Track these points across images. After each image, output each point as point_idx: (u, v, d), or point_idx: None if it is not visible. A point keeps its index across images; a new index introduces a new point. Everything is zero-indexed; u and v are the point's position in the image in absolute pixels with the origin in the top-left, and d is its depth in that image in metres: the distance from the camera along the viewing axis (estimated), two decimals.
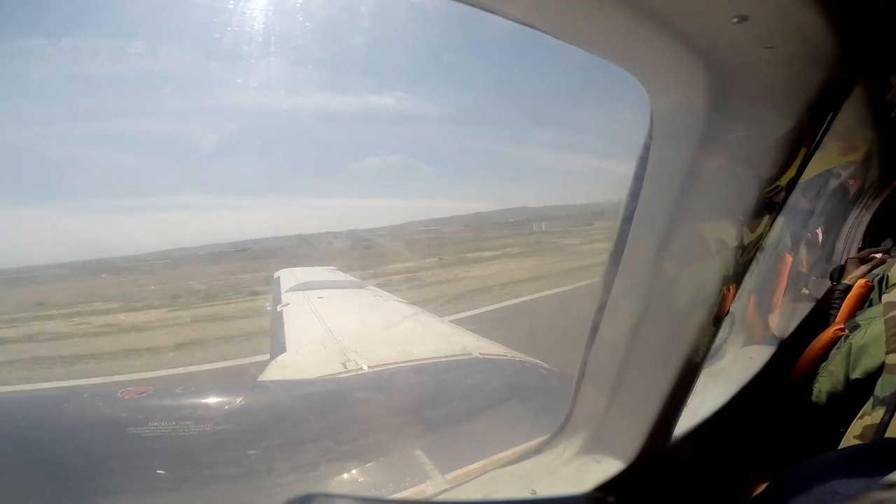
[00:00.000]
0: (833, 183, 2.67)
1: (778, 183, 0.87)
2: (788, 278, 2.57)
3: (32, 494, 1.20)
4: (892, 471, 0.68)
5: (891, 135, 1.82)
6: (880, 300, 1.84)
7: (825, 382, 1.86)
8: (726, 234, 0.92)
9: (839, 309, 2.33)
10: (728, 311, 1.02)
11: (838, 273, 2.66)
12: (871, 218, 3.63)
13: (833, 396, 1.83)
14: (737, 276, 0.97)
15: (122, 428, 1.41)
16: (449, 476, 1.37)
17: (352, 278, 4.88)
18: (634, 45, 0.74)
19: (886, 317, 1.69)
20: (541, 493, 1.06)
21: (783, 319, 2.48)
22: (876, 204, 3.47)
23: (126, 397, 1.53)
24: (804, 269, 2.78)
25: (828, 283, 3.02)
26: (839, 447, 1.60)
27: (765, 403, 1.97)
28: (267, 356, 2.55)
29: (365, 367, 2.09)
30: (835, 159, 2.35)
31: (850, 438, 1.64)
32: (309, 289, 3.64)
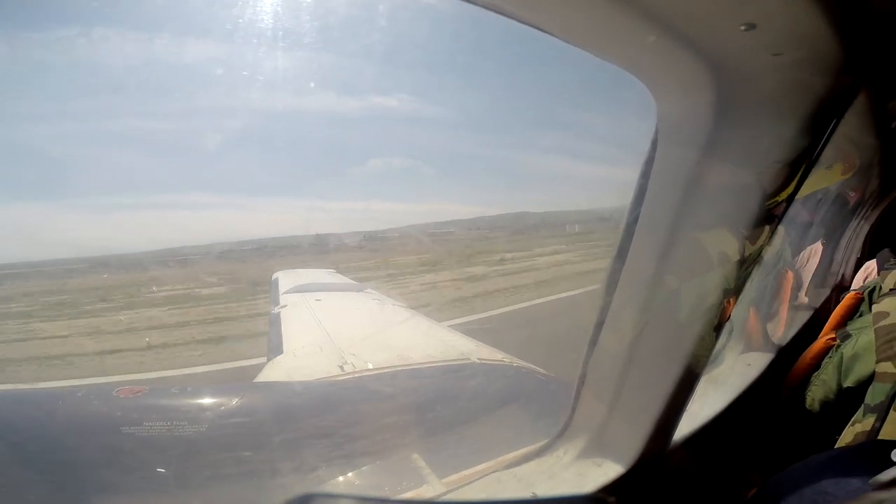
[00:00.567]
0: (833, 192, 2.68)
1: (781, 191, 0.87)
2: (789, 287, 2.58)
3: (26, 492, 1.19)
4: (879, 471, 0.69)
5: (891, 143, 1.83)
6: (870, 310, 1.86)
7: (818, 391, 1.88)
8: (729, 242, 0.92)
9: None
10: (728, 318, 1.02)
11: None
12: (871, 228, 3.64)
13: (826, 404, 1.85)
14: (738, 285, 0.97)
15: (117, 427, 1.41)
16: (445, 480, 1.36)
17: (350, 281, 4.88)
18: (642, 49, 0.74)
19: (876, 326, 1.71)
20: (541, 495, 1.06)
21: (781, 328, 2.49)
22: (875, 214, 3.48)
23: (121, 396, 1.52)
24: (803, 278, 2.79)
25: (826, 292, 3.03)
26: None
27: (763, 410, 1.98)
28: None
29: (362, 370, 2.09)
30: (840, 171, 2.36)
31: (841, 445, 1.65)
32: (307, 291, 3.63)
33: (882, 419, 1.57)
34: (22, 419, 1.49)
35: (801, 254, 2.73)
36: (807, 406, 1.92)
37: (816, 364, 1.96)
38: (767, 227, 0.91)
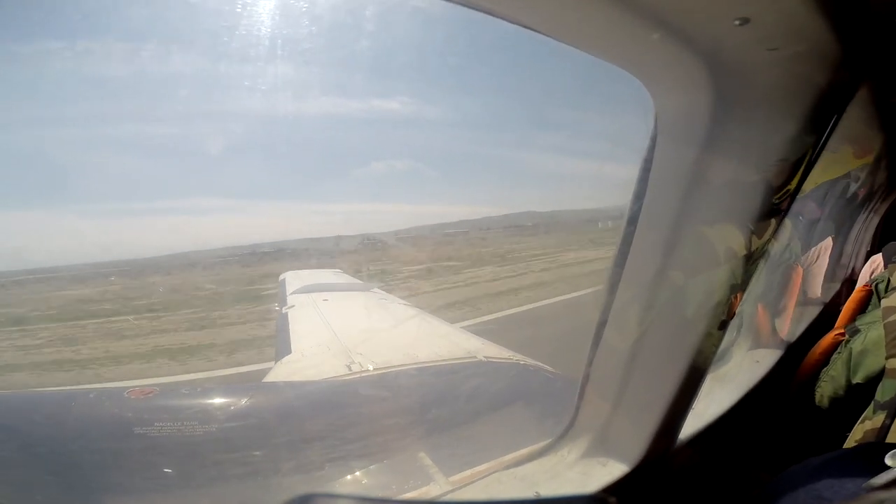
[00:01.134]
0: (840, 186, 2.65)
1: (783, 186, 0.86)
2: (799, 283, 2.56)
3: (39, 490, 1.21)
4: (873, 473, 0.68)
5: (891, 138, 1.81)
6: (879, 304, 1.84)
7: (827, 387, 1.87)
8: (731, 237, 0.91)
9: None
10: (734, 315, 1.02)
11: None
12: (880, 221, 3.60)
13: (835, 401, 1.83)
14: (743, 281, 0.97)
15: (129, 427, 1.42)
16: (452, 479, 1.37)
17: (357, 281, 4.89)
18: (638, 47, 0.75)
19: (886, 321, 1.69)
20: (545, 495, 1.06)
21: (790, 323, 2.47)
22: (884, 207, 3.44)
23: (132, 397, 1.55)
24: (813, 275, 2.76)
25: (836, 287, 3.00)
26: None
27: (772, 407, 1.97)
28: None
29: (369, 370, 2.10)
30: (849, 164, 2.34)
31: (851, 443, 1.65)
32: (314, 291, 3.65)
33: (893, 416, 1.55)
34: (35, 420, 1.51)
35: (812, 251, 2.71)
36: (816, 403, 1.90)
37: (825, 360, 1.94)
38: (770, 223, 0.91)
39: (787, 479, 0.86)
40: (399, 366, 2.13)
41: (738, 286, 0.97)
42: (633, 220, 0.97)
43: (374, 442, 1.59)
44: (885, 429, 1.55)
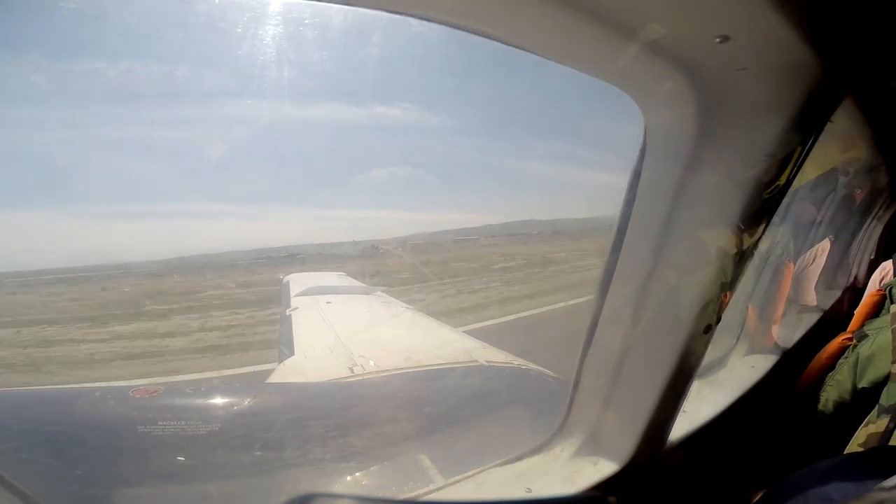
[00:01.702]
0: (841, 192, 2.65)
1: (769, 193, 0.89)
2: (795, 287, 2.56)
3: (43, 488, 1.24)
4: (884, 476, 0.69)
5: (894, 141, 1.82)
6: (889, 310, 1.84)
7: (832, 391, 1.86)
8: (717, 243, 0.94)
9: None
10: (720, 319, 1.04)
11: None
12: (885, 227, 3.58)
13: (840, 405, 1.83)
14: (729, 284, 0.99)
15: (133, 426, 1.45)
16: (451, 481, 1.38)
17: (360, 284, 4.91)
18: (626, 65, 0.78)
19: (894, 326, 1.69)
20: (536, 492, 1.08)
21: (789, 329, 2.47)
22: (888, 214, 3.42)
23: (137, 396, 1.58)
24: (809, 277, 2.76)
25: (837, 294, 2.99)
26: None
27: (771, 412, 1.97)
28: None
29: (372, 372, 2.11)
30: (845, 170, 2.34)
31: (854, 446, 1.64)
32: (317, 294, 3.67)
33: None
34: (41, 417, 1.54)
35: (808, 252, 2.70)
36: (820, 406, 1.90)
37: (831, 364, 1.94)
38: (755, 231, 0.94)
39: (797, 480, 0.86)
40: (401, 369, 2.14)
41: (724, 291, 0.99)
42: (622, 227, 1.00)
43: (375, 443, 1.60)
44: (888, 433, 1.54)
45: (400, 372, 2.12)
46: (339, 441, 1.57)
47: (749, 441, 1.76)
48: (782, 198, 0.92)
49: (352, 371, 2.13)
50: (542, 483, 1.11)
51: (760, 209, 0.91)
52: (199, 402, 1.65)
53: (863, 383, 1.75)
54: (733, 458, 1.60)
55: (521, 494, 1.08)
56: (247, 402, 1.65)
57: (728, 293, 0.99)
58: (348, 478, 1.49)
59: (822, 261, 2.73)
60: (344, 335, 2.62)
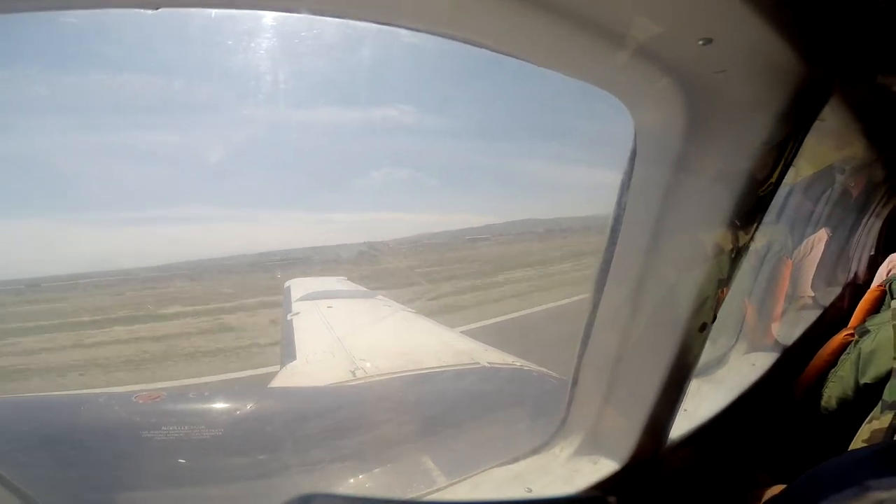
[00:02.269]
0: (837, 189, 2.66)
1: (762, 190, 0.90)
2: (794, 282, 2.56)
3: (46, 494, 1.25)
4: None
5: (890, 137, 1.83)
6: (891, 305, 1.84)
7: (835, 388, 1.87)
8: (711, 241, 0.95)
9: None
10: (715, 316, 1.05)
11: None
12: (883, 224, 3.59)
13: (843, 402, 1.83)
14: (724, 282, 1.00)
15: (136, 431, 1.46)
16: (450, 480, 1.39)
17: (361, 288, 4.92)
18: (613, 69, 0.79)
19: (895, 322, 1.69)
20: (536, 492, 1.09)
21: (790, 326, 2.47)
22: (886, 211, 3.43)
23: (140, 402, 1.59)
24: (806, 268, 2.76)
25: (837, 290, 3.00)
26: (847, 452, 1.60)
27: (772, 409, 1.97)
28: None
29: (373, 376, 2.12)
30: (840, 167, 2.35)
31: (858, 442, 1.64)
32: (319, 298, 3.67)
33: None
34: (46, 422, 1.56)
35: (804, 243, 2.70)
36: (823, 403, 1.90)
37: (834, 361, 1.95)
38: (749, 229, 0.95)
39: (830, 469, 0.85)
40: (403, 372, 2.15)
41: (720, 289, 1.00)
42: (616, 227, 1.01)
43: (377, 446, 1.61)
44: (892, 429, 1.55)
45: (401, 375, 2.12)
46: (341, 444, 1.57)
47: (751, 439, 1.76)
48: (774, 195, 0.93)
49: (353, 375, 2.14)
50: (543, 483, 1.12)
51: (753, 207, 0.92)
52: (202, 406, 1.66)
53: (865, 379, 1.75)
54: (735, 456, 1.60)
55: (522, 494, 1.09)
56: (249, 406, 1.66)
57: (724, 290, 1.00)
58: (351, 480, 1.50)
59: (818, 251, 2.74)
60: (345, 339, 2.63)
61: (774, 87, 0.78)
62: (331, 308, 3.38)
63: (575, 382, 1.19)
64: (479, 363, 2.26)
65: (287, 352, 2.63)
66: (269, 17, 0.94)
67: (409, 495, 1.40)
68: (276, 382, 2.28)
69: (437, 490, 1.22)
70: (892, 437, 1.54)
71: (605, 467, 1.15)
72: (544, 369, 2.19)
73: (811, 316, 2.66)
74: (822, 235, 2.76)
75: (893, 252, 2.49)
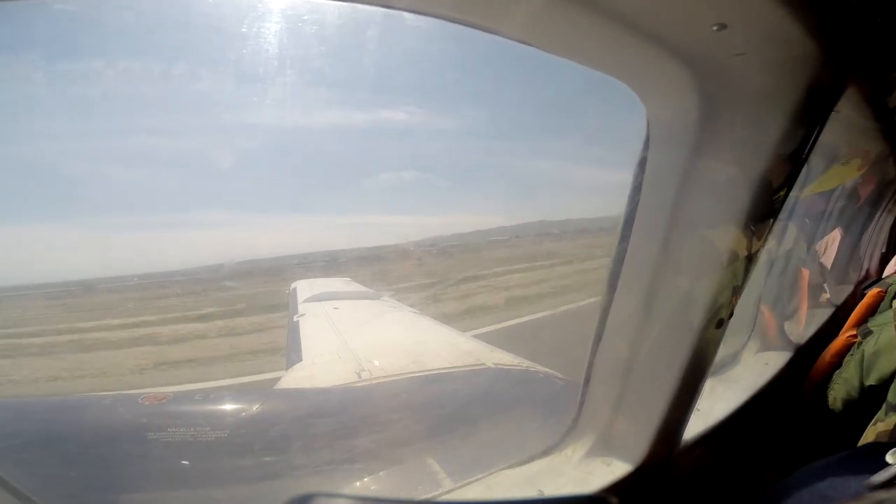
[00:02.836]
0: (848, 187, 2.63)
1: (776, 186, 0.88)
2: (807, 284, 2.53)
3: (52, 495, 1.24)
4: (876, 472, 0.69)
5: None
6: (891, 306, 1.82)
7: (840, 389, 1.86)
8: (726, 238, 0.92)
9: None
10: (731, 315, 1.02)
11: None
12: (894, 221, 3.53)
13: (848, 403, 1.82)
14: (739, 282, 0.97)
15: (142, 432, 1.46)
16: (461, 485, 1.37)
17: (367, 289, 4.92)
18: (626, 57, 0.77)
19: None
20: (548, 494, 1.07)
21: (801, 326, 2.44)
22: None
23: (146, 403, 1.58)
24: (822, 270, 2.73)
25: (849, 289, 2.96)
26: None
27: (782, 409, 1.95)
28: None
29: (379, 377, 2.11)
30: (854, 172, 2.32)
31: (863, 444, 1.62)
32: (325, 299, 3.68)
33: None
34: (54, 423, 1.56)
35: (819, 243, 2.68)
36: (829, 405, 1.89)
37: (838, 362, 1.94)
38: (765, 223, 0.92)
39: (794, 481, 0.87)
40: (408, 373, 2.14)
41: (735, 286, 0.98)
42: (629, 223, 0.99)
43: (384, 447, 1.60)
44: None
45: (407, 376, 2.12)
46: (348, 445, 1.57)
47: (765, 439, 1.74)
48: (791, 188, 0.91)
49: (359, 376, 2.13)
50: (555, 485, 1.10)
51: (770, 200, 0.89)
52: (208, 408, 1.66)
53: (870, 381, 1.75)
54: (750, 456, 1.58)
55: (534, 497, 1.07)
56: (255, 408, 1.65)
57: (741, 285, 0.98)
58: (358, 482, 1.49)
59: (832, 251, 2.71)
60: (351, 340, 2.63)
61: (789, 77, 0.76)
62: (337, 309, 3.38)
63: (587, 383, 1.17)
64: (484, 364, 2.25)
65: (293, 353, 2.63)
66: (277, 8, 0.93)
67: (417, 496, 1.38)
68: (283, 383, 2.28)
69: (449, 491, 1.21)
70: (872, 442, 1.53)
71: (618, 469, 1.12)
72: (550, 370, 2.18)
73: (823, 315, 2.63)
74: (836, 235, 2.73)
75: None
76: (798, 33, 0.66)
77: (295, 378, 2.29)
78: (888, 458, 0.74)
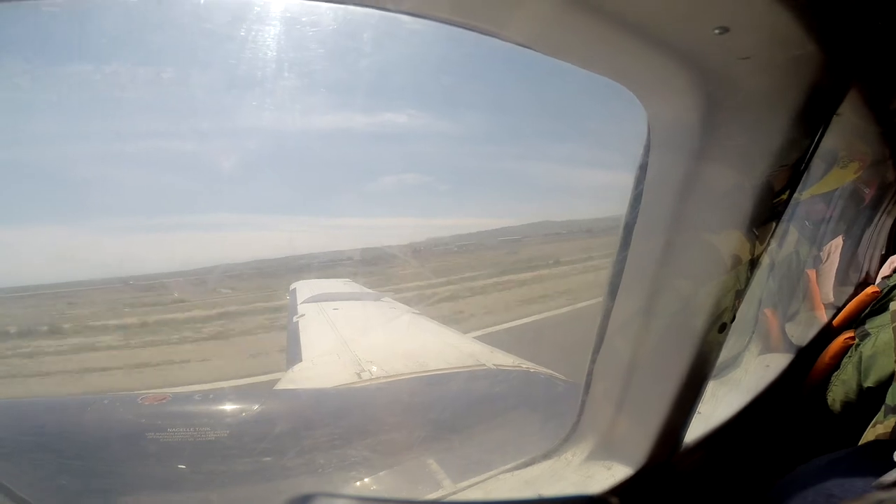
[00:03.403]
0: (848, 188, 2.62)
1: (779, 189, 0.87)
2: (807, 285, 2.53)
3: (51, 496, 1.24)
4: (882, 471, 0.69)
5: None
6: (888, 308, 1.82)
7: (839, 391, 1.85)
8: (728, 241, 0.92)
9: None
10: (734, 318, 1.02)
11: None
12: (894, 222, 3.53)
13: (847, 405, 1.82)
14: (742, 285, 0.97)
15: (142, 432, 1.46)
16: (461, 485, 1.37)
17: (367, 290, 4.91)
18: (626, 60, 0.77)
19: (895, 324, 1.67)
20: (547, 497, 1.07)
21: (801, 327, 2.44)
22: None
23: (146, 403, 1.58)
24: (826, 275, 2.73)
25: (850, 290, 2.95)
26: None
27: (788, 411, 1.95)
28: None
29: (379, 378, 2.11)
30: (851, 174, 2.32)
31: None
32: (324, 300, 3.67)
33: None
34: (53, 424, 1.55)
35: (823, 249, 2.68)
36: (829, 406, 1.88)
37: (836, 364, 1.94)
38: (767, 226, 0.92)
39: (797, 477, 0.86)
40: (408, 374, 2.14)
41: (738, 290, 0.97)
42: (630, 226, 0.99)
43: (383, 449, 1.60)
44: None
45: (407, 377, 2.12)
46: (347, 447, 1.57)
47: (767, 442, 1.73)
48: (793, 191, 0.90)
49: (359, 377, 2.13)
50: (555, 489, 1.09)
51: (772, 203, 0.89)
52: (208, 408, 1.66)
53: (868, 383, 1.74)
54: (752, 459, 1.58)
55: (533, 498, 1.06)
56: (255, 408, 1.65)
57: (744, 289, 0.97)
58: (358, 483, 1.49)
59: (836, 257, 2.71)
60: (351, 341, 2.63)
61: (791, 80, 0.75)
62: (336, 310, 3.38)
63: (588, 385, 1.17)
64: (484, 365, 2.25)
65: (293, 354, 2.63)
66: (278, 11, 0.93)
67: (416, 498, 1.38)
68: (282, 384, 2.28)
69: (447, 495, 1.20)
70: (876, 440, 1.53)
71: (619, 472, 1.12)
72: (550, 370, 2.18)
73: (824, 317, 2.62)
74: (839, 241, 2.73)
75: None
76: (800, 37, 0.66)
77: (294, 378, 2.29)
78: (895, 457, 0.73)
